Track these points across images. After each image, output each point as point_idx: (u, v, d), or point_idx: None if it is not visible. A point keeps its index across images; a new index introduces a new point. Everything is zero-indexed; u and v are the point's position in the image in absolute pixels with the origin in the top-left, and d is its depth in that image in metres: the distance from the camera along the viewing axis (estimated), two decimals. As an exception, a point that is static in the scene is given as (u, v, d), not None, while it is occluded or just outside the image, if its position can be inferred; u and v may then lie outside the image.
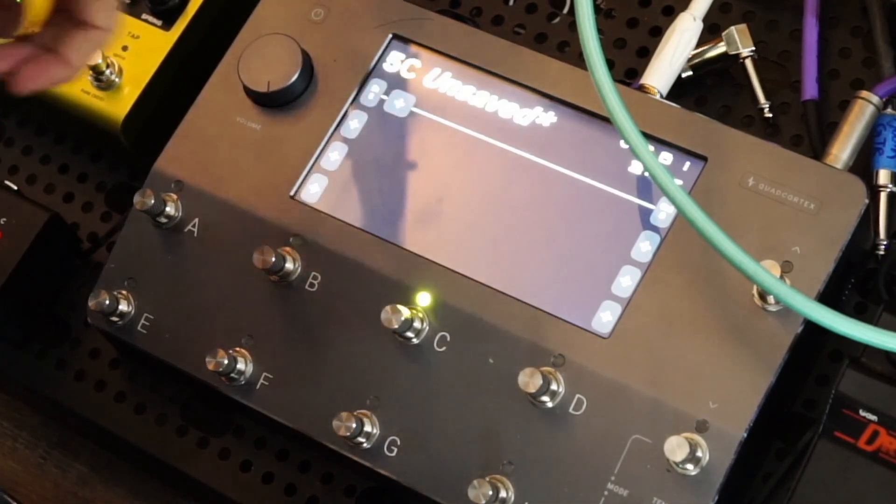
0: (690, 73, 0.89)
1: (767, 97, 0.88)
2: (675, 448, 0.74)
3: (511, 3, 0.95)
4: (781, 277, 0.76)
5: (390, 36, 0.88)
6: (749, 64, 0.88)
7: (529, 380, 0.77)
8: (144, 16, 0.94)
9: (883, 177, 0.84)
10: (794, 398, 0.82)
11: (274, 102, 0.88)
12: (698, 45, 0.88)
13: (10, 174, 0.98)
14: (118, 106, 0.92)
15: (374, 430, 0.80)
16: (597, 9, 0.83)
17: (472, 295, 0.82)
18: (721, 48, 0.88)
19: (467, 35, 0.88)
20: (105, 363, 0.92)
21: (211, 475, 0.88)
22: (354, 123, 0.87)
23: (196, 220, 0.87)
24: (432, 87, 0.87)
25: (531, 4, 0.94)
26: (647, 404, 0.77)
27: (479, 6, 0.95)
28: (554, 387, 0.78)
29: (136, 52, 0.93)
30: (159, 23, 0.93)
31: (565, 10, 0.94)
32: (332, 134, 0.87)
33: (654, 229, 0.81)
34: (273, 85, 0.87)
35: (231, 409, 0.87)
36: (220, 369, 0.82)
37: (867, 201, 0.79)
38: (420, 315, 0.81)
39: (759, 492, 0.80)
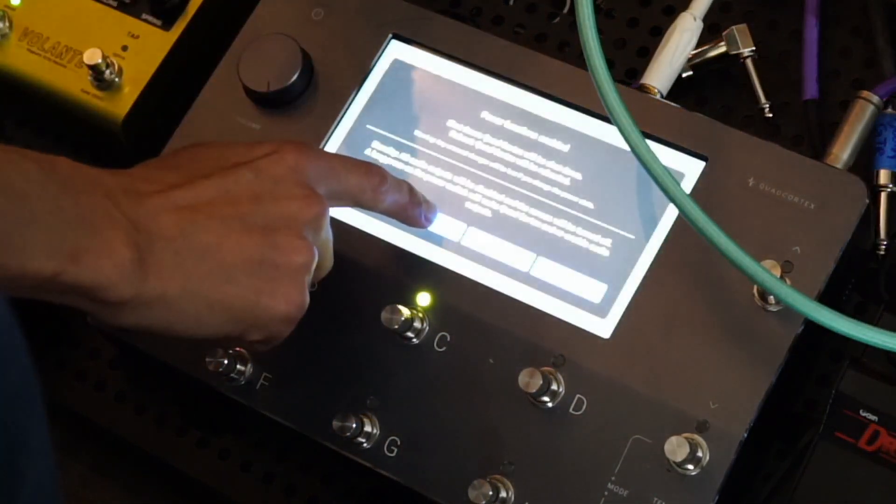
0: (690, 73, 0.89)
1: (767, 97, 0.88)
2: (676, 448, 0.74)
3: (511, 3, 0.95)
4: (782, 277, 0.76)
5: (390, 36, 0.88)
6: (749, 64, 0.88)
7: (529, 380, 0.77)
8: (144, 16, 0.94)
9: (883, 177, 0.84)
10: (794, 398, 0.82)
11: (274, 102, 0.88)
12: (698, 45, 0.88)
13: (9, 174, 0.98)
14: (118, 106, 0.92)
15: (374, 430, 0.80)
16: (597, 9, 0.83)
17: (472, 295, 0.82)
18: (721, 48, 0.88)
19: (467, 35, 0.88)
20: (105, 363, 0.92)
21: (211, 475, 0.88)
22: (354, 123, 0.87)
23: (196, 220, 0.87)
24: (433, 87, 0.87)
25: (531, 4, 0.94)
26: (647, 404, 0.77)
27: (479, 6, 0.95)
28: (554, 387, 0.78)
29: (136, 52, 0.93)
30: (159, 23, 0.93)
31: (565, 10, 0.94)
32: (331, 134, 0.87)
33: (654, 229, 0.81)
34: (273, 85, 0.87)
35: (231, 409, 0.87)
36: (220, 369, 0.82)
37: (867, 201, 0.79)
38: (420, 315, 0.81)
39: (759, 492, 0.80)
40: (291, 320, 0.74)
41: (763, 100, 0.88)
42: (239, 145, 0.76)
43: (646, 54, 0.90)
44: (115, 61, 0.92)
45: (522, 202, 0.83)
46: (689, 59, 0.88)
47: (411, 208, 0.81)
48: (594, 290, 0.80)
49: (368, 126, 0.87)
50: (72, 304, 0.68)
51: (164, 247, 0.69)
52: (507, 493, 0.77)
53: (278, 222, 0.73)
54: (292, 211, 0.73)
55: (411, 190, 0.81)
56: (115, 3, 0.94)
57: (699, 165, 0.81)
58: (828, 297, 0.77)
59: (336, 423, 0.80)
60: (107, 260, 0.67)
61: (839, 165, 0.83)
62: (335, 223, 0.84)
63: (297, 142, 0.77)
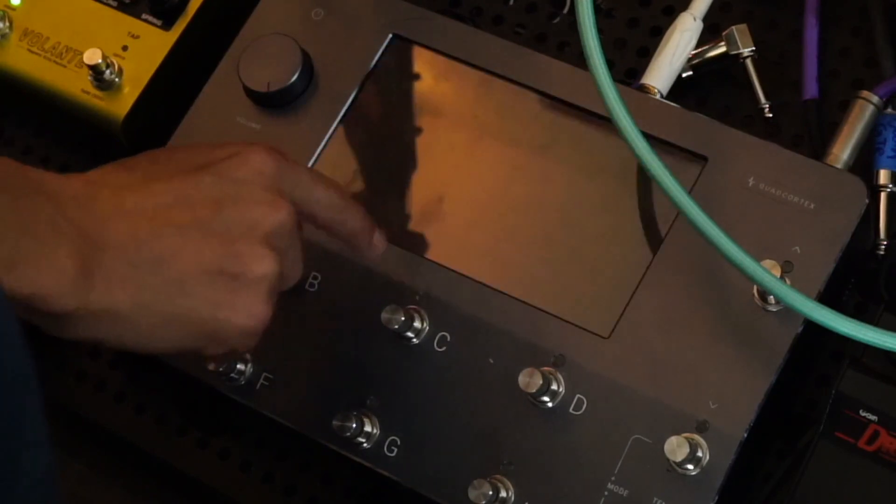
0: (690, 73, 0.89)
1: (767, 97, 0.88)
2: (676, 448, 0.74)
3: (511, 3, 0.95)
4: (782, 277, 0.76)
5: (390, 36, 0.88)
6: (749, 64, 0.88)
7: (529, 380, 0.77)
8: (144, 16, 0.94)
9: (883, 177, 0.84)
10: (794, 398, 0.82)
11: (274, 102, 0.88)
12: (698, 45, 0.88)
13: (9, 174, 0.98)
14: (118, 106, 0.92)
15: (374, 430, 0.80)
16: (597, 9, 0.83)
17: (472, 295, 0.81)
18: (721, 48, 0.88)
19: (467, 35, 0.88)
20: (105, 363, 0.92)
21: (211, 475, 0.88)
22: (354, 124, 0.87)
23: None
24: (432, 87, 0.87)
25: (531, 4, 0.94)
26: (647, 404, 0.77)
27: (479, 6, 0.95)
28: (554, 387, 0.78)
29: (136, 52, 0.93)
30: (159, 23, 0.93)
31: (565, 10, 0.94)
32: (333, 134, 0.87)
33: (654, 229, 0.81)
34: (273, 85, 0.87)
35: (231, 409, 0.87)
36: (220, 369, 0.82)
37: (867, 201, 0.79)
38: (420, 315, 0.81)
39: (759, 492, 0.80)
40: (253, 334, 0.70)
41: (763, 100, 0.88)
42: (202, 147, 0.72)
43: (646, 54, 0.90)
44: (115, 61, 0.92)
45: (522, 202, 0.83)
46: (689, 59, 0.88)
47: (365, 235, 0.77)
48: (594, 289, 0.80)
49: (368, 126, 0.87)
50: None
51: (114, 256, 0.65)
52: (507, 493, 0.77)
53: (239, 229, 0.69)
54: (255, 217, 0.69)
55: (365, 216, 0.77)
56: (115, 3, 0.94)
57: (699, 165, 0.81)
58: (828, 297, 0.77)
59: (336, 423, 0.80)
60: (46, 269, 0.63)
61: (839, 165, 0.83)
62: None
63: (263, 144, 0.72)
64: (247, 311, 0.69)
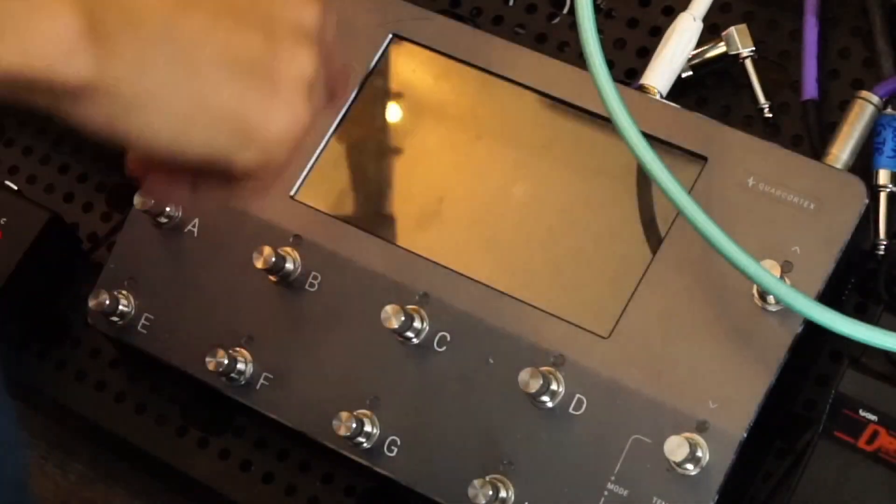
0: (690, 73, 0.89)
1: (767, 97, 0.88)
2: (676, 448, 0.74)
3: (511, 3, 0.95)
4: (781, 277, 0.76)
5: (390, 36, 0.88)
6: (749, 64, 0.88)
7: (529, 380, 0.77)
8: (144, 16, 0.93)
9: (883, 177, 0.84)
10: (794, 398, 0.82)
11: (274, 102, 0.88)
12: (698, 45, 0.88)
13: (10, 174, 0.98)
14: (118, 106, 0.92)
15: (374, 430, 0.80)
16: (597, 9, 0.83)
17: (472, 295, 0.82)
18: (721, 48, 0.88)
19: (467, 35, 0.88)
20: (105, 363, 0.92)
21: (211, 475, 0.88)
22: (355, 124, 0.87)
23: (196, 220, 0.87)
24: (432, 87, 0.87)
25: (531, 4, 0.94)
26: (647, 404, 0.77)
27: (479, 6, 0.95)
28: (554, 387, 0.78)
29: (137, 52, 0.92)
30: (159, 23, 0.93)
31: (565, 10, 0.94)
32: (333, 134, 0.87)
33: (654, 229, 0.81)
34: (273, 85, 0.87)
35: (231, 409, 0.87)
36: (220, 369, 0.83)
37: (867, 201, 0.79)
38: (420, 315, 0.81)
39: (759, 492, 0.80)
40: (288, 138, 0.62)
41: (763, 100, 0.88)
42: None
43: (646, 54, 0.90)
44: (115, 61, 0.92)
45: (522, 202, 0.83)
46: (689, 60, 0.88)
47: (346, 76, 0.70)
48: (594, 289, 0.80)
49: (368, 126, 0.87)
50: (26, 99, 0.56)
51: (133, 27, 0.56)
52: (507, 493, 0.77)
53: (274, 23, 0.61)
54: (292, 13, 0.62)
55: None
56: (115, 3, 0.94)
57: (699, 165, 0.81)
58: (828, 297, 0.77)
59: (336, 423, 0.80)
60: (43, 27, 0.54)
61: (839, 165, 0.83)
62: (334, 222, 0.84)
63: None
64: (285, 108, 0.61)
